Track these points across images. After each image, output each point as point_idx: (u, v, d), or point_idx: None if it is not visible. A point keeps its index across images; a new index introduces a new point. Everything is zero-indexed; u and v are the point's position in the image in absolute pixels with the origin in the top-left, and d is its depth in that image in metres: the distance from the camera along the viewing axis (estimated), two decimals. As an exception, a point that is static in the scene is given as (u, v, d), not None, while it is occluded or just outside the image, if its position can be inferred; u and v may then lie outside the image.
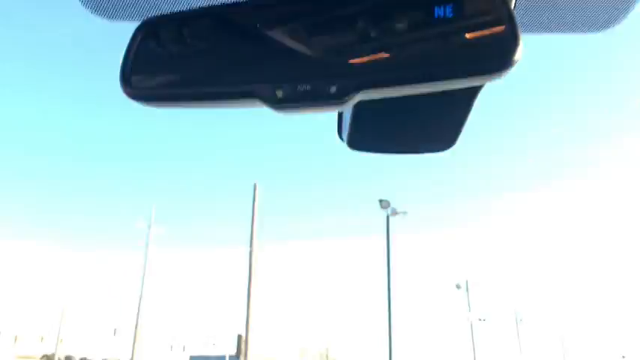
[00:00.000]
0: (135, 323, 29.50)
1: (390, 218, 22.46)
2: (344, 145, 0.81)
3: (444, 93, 0.70)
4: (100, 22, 0.88)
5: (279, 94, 0.61)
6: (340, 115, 0.81)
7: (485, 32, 0.64)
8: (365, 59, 0.64)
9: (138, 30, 0.69)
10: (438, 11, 0.64)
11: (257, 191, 23.56)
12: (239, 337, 23.88)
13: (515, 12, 0.65)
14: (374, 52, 0.64)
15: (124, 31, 0.74)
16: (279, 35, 0.64)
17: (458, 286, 31.30)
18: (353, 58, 0.64)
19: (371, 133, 0.79)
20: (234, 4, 0.68)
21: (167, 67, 0.69)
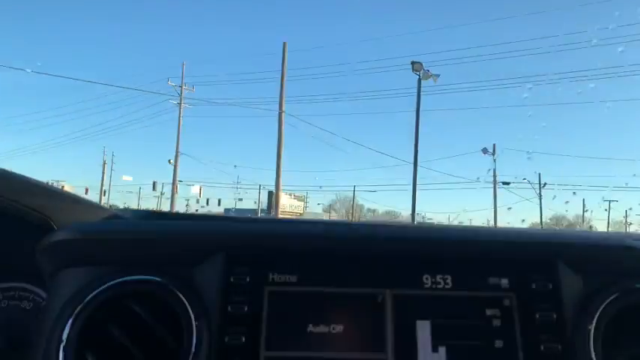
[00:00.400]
0: (173, 177, 31.08)
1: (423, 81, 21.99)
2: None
3: None
4: None
5: None
6: None
7: None
8: None
9: None
10: None
11: (286, 51, 23.10)
12: (269, 193, 25.15)
13: None
14: None
15: None
16: None
17: (485, 151, 31.43)
18: None
19: None
20: None
21: None
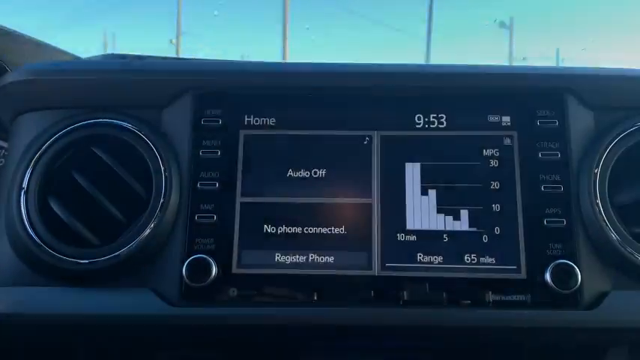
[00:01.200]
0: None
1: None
2: None
3: None
4: None
5: None
6: None
7: None
8: None
9: None
10: None
11: None
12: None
13: None
14: None
15: None
16: None
17: (501, 24, 29.96)
18: None
19: None
20: None
21: None
